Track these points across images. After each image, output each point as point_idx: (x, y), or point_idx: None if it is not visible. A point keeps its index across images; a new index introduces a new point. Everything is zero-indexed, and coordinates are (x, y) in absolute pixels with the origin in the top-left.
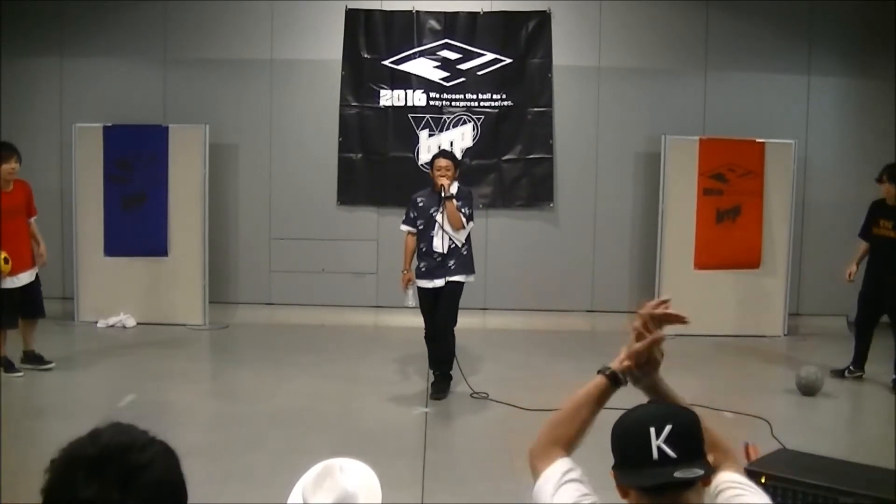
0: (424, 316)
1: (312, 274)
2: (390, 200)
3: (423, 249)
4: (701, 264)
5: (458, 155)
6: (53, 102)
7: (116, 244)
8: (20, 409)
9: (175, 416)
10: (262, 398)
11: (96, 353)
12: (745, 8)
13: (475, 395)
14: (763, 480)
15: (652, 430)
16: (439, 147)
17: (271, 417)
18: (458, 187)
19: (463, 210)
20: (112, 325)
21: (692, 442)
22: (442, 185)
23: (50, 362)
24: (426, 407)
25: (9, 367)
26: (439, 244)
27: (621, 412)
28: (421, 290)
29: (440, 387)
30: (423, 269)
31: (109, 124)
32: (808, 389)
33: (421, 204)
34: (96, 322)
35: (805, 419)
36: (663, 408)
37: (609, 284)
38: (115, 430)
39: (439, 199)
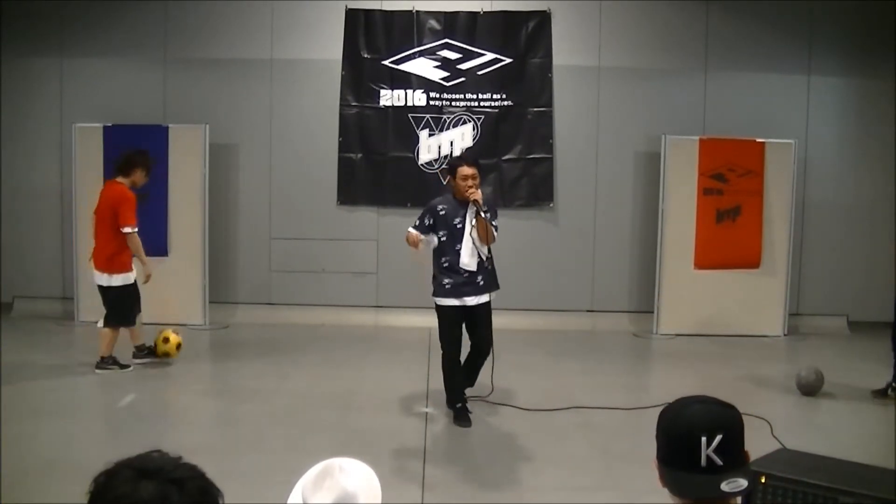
0: (448, 338)
1: (312, 274)
2: (390, 200)
3: (447, 265)
4: (701, 264)
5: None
6: (53, 102)
7: None
8: (20, 409)
9: (175, 416)
10: (261, 398)
11: (96, 353)
12: (746, 7)
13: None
14: (763, 480)
15: (704, 439)
16: (449, 153)
17: (271, 417)
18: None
19: (493, 223)
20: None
21: (738, 448)
22: (476, 199)
23: (128, 366)
24: (427, 407)
25: (118, 363)
26: (469, 260)
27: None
28: (447, 307)
29: (465, 416)
30: (449, 287)
31: (109, 124)
32: (808, 389)
33: (443, 213)
34: (97, 322)
35: (805, 419)
36: (714, 411)
37: (609, 284)
38: (156, 457)
39: (464, 210)
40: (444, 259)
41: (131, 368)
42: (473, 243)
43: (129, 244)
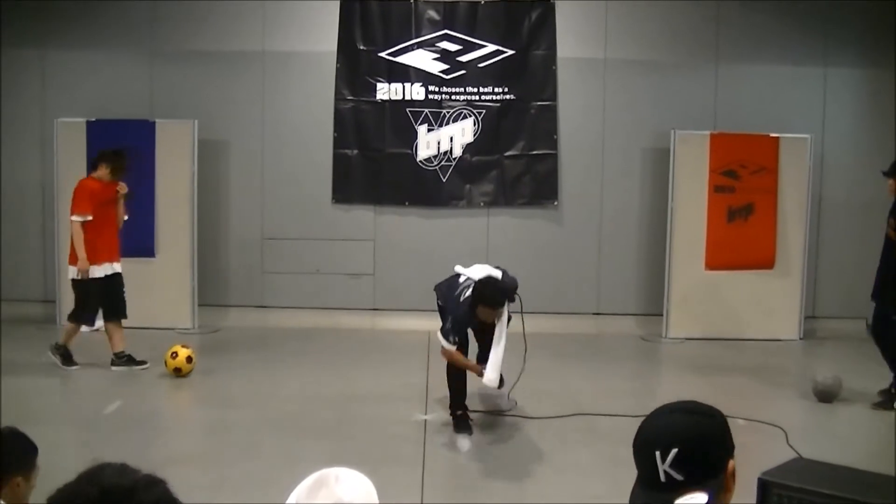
0: (476, 342)
1: (307, 275)
2: (388, 198)
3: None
4: (712, 265)
5: (458, 151)
6: (35, 96)
7: None
8: None
9: (164, 424)
10: (254, 405)
11: (80, 358)
12: None
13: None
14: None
15: (657, 454)
16: (449, 149)
17: (264, 425)
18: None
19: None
20: (96, 330)
21: (706, 461)
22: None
23: (144, 362)
24: (426, 414)
25: (66, 358)
26: (486, 376)
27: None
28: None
29: (466, 424)
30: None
31: (93, 119)
32: (826, 396)
33: (470, 329)
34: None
35: (822, 427)
36: (676, 422)
37: (616, 286)
38: (111, 471)
39: (489, 328)
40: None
41: (76, 367)
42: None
43: (72, 232)
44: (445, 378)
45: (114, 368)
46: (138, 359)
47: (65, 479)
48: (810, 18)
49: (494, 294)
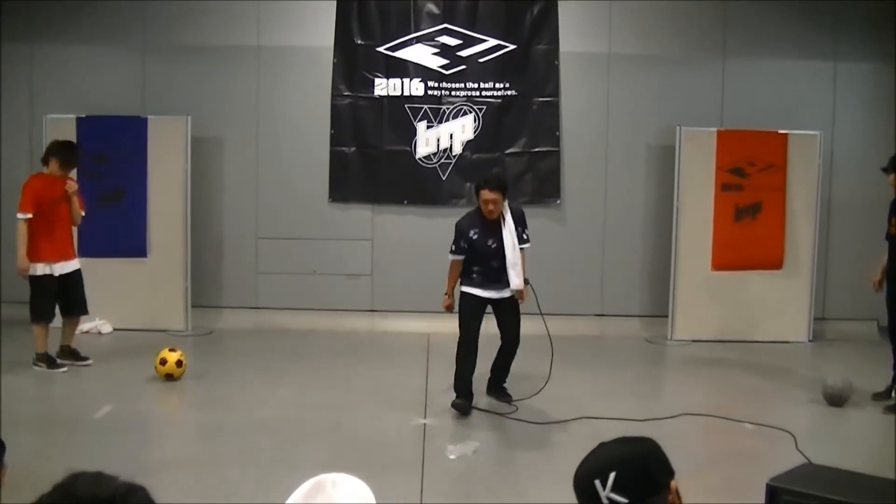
0: (469, 325)
1: (302, 276)
2: (386, 197)
3: (477, 269)
4: (719, 265)
5: (458, 148)
6: (23, 92)
7: (91, 244)
8: None
9: (156, 428)
10: (249, 408)
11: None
12: None
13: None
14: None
15: (597, 482)
16: (448, 146)
17: (259, 429)
18: (511, 210)
19: (524, 236)
20: (87, 332)
21: (645, 479)
22: (519, 295)
23: (87, 358)
24: (425, 418)
25: (51, 362)
26: (511, 282)
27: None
28: (471, 295)
29: (503, 391)
30: (476, 277)
31: (84, 116)
32: (836, 399)
33: (475, 237)
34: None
35: (832, 431)
36: (608, 450)
37: (620, 286)
38: (88, 481)
39: (497, 228)
40: (475, 267)
41: (63, 370)
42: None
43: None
44: (451, 375)
45: (58, 361)
46: (82, 355)
47: (46, 489)
48: (820, 11)
49: (490, 176)
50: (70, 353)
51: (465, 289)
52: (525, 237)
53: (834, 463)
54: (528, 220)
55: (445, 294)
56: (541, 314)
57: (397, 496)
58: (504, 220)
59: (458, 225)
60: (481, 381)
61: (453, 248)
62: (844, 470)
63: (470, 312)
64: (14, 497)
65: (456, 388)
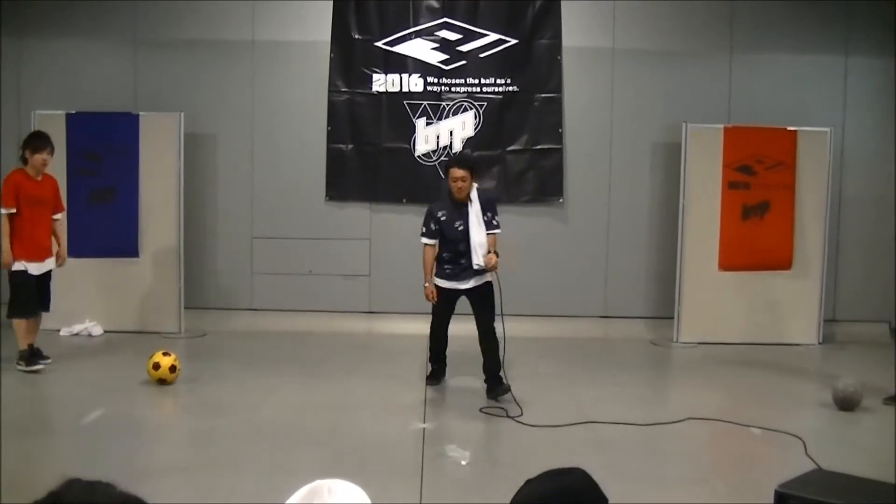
0: (439, 313)
1: (299, 276)
2: (384, 196)
3: (447, 257)
4: (726, 265)
5: (459, 145)
6: (11, 87)
7: (82, 244)
8: None
9: (148, 434)
10: (243, 413)
11: (59, 364)
12: None
13: (485, 410)
14: None
15: None
16: (448, 143)
17: (254, 434)
18: (479, 192)
19: (493, 222)
20: (76, 334)
21: None
22: (492, 267)
23: (48, 357)
24: (424, 422)
25: (32, 358)
26: (476, 258)
27: None
28: (442, 289)
29: (498, 387)
30: (448, 271)
31: (73, 112)
32: (847, 403)
33: (443, 218)
34: (58, 330)
35: (842, 436)
36: (539, 486)
37: (624, 287)
38: (81, 489)
39: (465, 210)
40: (445, 254)
41: (48, 361)
42: (476, 250)
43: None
44: (451, 378)
45: (43, 355)
46: (44, 354)
47: (37, 495)
48: (831, 3)
49: (458, 155)
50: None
51: (438, 282)
52: (495, 223)
53: (845, 469)
54: (529, 219)
55: (426, 284)
56: (488, 275)
57: (396, 502)
58: (471, 201)
59: (428, 208)
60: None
61: (423, 230)
62: (855, 476)
63: (441, 302)
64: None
65: (430, 359)
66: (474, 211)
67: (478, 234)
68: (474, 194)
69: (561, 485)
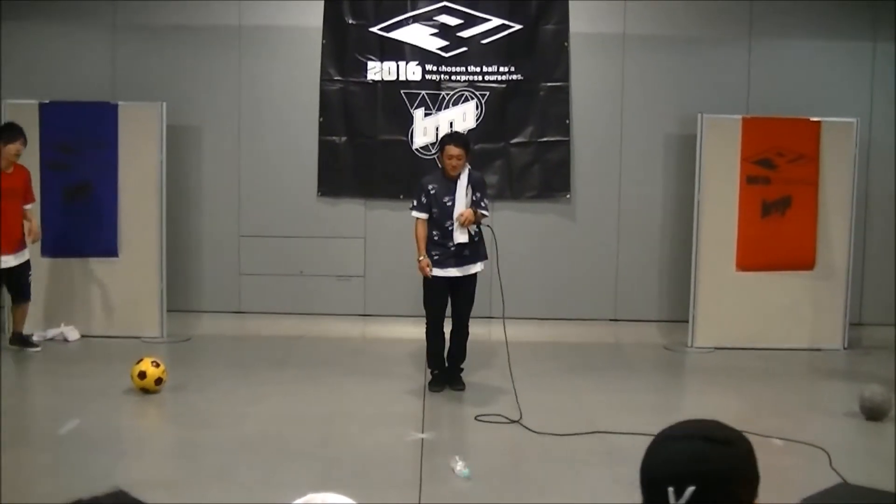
0: (432, 305)
1: (289, 277)
2: (380, 191)
3: (437, 238)
4: (744, 265)
5: None
6: None
7: (57, 243)
8: None
9: (128, 445)
10: (230, 423)
11: (32, 371)
12: None
13: (481, 418)
14: None
15: (671, 490)
16: (448, 130)
17: (241, 445)
18: (470, 172)
19: (482, 203)
20: (51, 339)
21: (727, 501)
22: (466, 221)
23: (37, 345)
24: (422, 432)
25: (25, 342)
26: (460, 235)
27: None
28: (433, 278)
29: (458, 379)
30: (437, 258)
31: (47, 101)
32: (874, 413)
33: (433, 191)
34: (31, 335)
35: (870, 448)
36: (695, 452)
37: (635, 289)
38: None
39: (454, 187)
40: (434, 233)
41: (38, 349)
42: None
43: None
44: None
45: (11, 346)
46: (35, 342)
47: None
48: None
49: (455, 133)
50: (20, 340)
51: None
52: (483, 204)
53: (872, 482)
54: (534, 216)
55: (419, 258)
56: (476, 265)
57: None
58: (461, 179)
59: (420, 181)
60: (498, 392)
61: (415, 202)
62: (884, 491)
63: (432, 295)
64: None
65: (429, 365)
66: (461, 185)
67: (461, 207)
68: (465, 173)
69: (719, 463)
